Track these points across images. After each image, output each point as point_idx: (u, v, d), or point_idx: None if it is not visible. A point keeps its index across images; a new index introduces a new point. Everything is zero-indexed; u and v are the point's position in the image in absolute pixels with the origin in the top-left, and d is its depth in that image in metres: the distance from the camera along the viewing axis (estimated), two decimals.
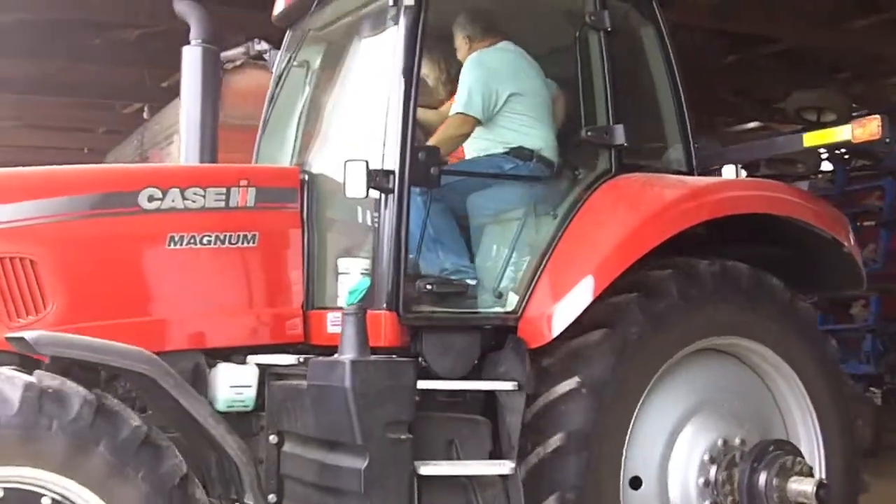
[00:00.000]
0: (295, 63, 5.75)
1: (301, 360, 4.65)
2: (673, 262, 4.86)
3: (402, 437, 4.35)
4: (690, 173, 5.47)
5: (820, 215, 5.26)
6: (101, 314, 4.52)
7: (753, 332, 5.07)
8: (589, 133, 5.16)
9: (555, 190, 5.16)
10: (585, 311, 4.67)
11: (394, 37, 4.86)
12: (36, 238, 4.43)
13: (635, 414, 4.73)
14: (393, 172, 4.65)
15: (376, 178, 4.61)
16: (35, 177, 4.62)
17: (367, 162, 4.55)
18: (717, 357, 5.15)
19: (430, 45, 5.65)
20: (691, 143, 5.55)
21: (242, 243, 4.87)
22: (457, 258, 4.98)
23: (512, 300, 4.93)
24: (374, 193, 4.63)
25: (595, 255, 4.79)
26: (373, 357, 4.37)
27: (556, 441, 4.51)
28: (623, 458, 4.66)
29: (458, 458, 4.67)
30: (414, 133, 4.75)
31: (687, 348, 4.87)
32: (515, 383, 4.70)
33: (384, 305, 4.66)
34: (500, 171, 5.15)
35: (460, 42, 5.44)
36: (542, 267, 4.91)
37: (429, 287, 4.73)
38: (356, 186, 4.55)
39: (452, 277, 4.91)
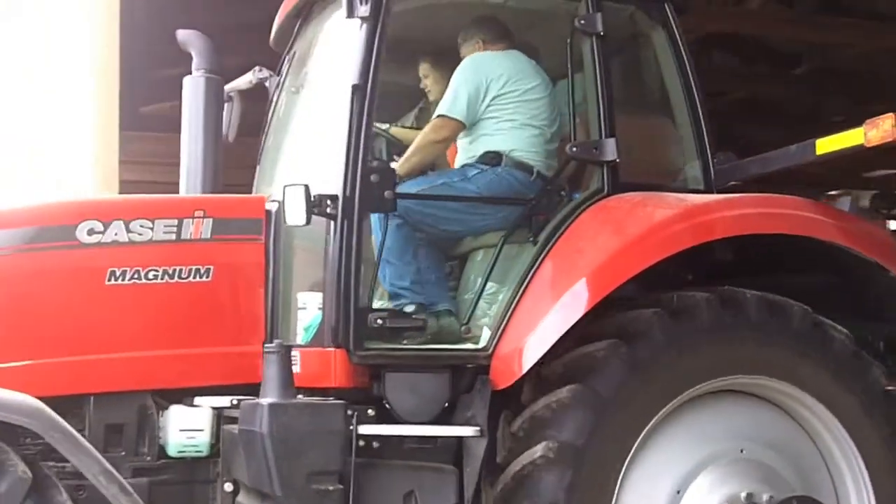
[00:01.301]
0: (283, 87, 5.46)
1: (234, 402, 4.29)
2: (658, 298, 4.26)
3: (330, 488, 3.92)
4: (708, 192, 4.85)
5: (853, 235, 4.52)
6: (31, 353, 4.29)
7: (772, 370, 4.38)
8: (574, 149, 4.63)
9: (537, 212, 4.62)
10: (560, 358, 4.15)
11: (346, 50, 4.50)
12: None
13: (621, 475, 4.12)
14: (336, 196, 4.27)
15: (320, 204, 4.25)
16: None
17: (306, 186, 4.19)
18: (747, 401, 4.50)
19: (435, 61, 5.28)
20: (710, 158, 4.93)
21: (194, 277, 4.56)
22: (397, 279, 4.49)
23: (484, 336, 4.44)
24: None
25: (568, 284, 4.25)
26: (296, 400, 3.97)
27: None
28: None
29: None
30: (365, 153, 4.35)
31: (679, 398, 4.23)
32: (477, 429, 4.22)
33: (332, 343, 4.27)
34: (463, 178, 4.67)
35: (472, 48, 4.98)
36: (516, 299, 4.39)
37: (379, 321, 4.29)
38: (296, 213, 4.20)
39: (392, 303, 4.47)
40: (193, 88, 5.36)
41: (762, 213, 4.42)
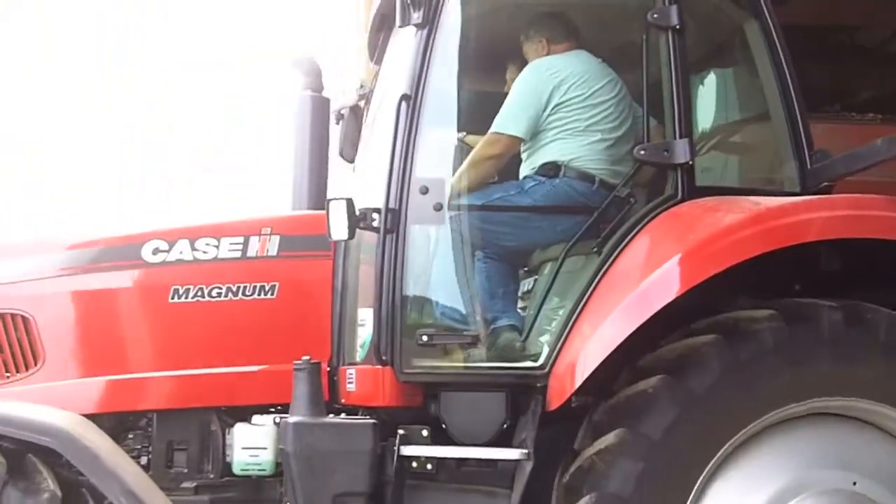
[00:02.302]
0: (370, 101, 5.40)
1: (277, 420, 4.23)
2: (716, 322, 3.84)
3: None
4: (803, 194, 4.39)
5: None
6: (95, 369, 4.42)
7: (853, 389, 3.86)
8: (642, 152, 4.29)
9: (602, 221, 4.32)
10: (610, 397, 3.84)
11: (401, 60, 4.39)
12: (31, 294, 4.43)
13: None
14: (379, 210, 4.15)
15: (365, 218, 4.14)
16: (40, 234, 4.66)
17: (349, 200, 4.10)
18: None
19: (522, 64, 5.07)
20: (807, 158, 4.46)
21: (259, 294, 4.57)
22: (471, 302, 4.30)
23: (543, 354, 4.18)
24: None
25: (622, 297, 3.92)
26: (321, 419, 3.87)
27: None
28: None
29: None
30: (413, 165, 4.21)
31: (742, 433, 3.77)
32: (524, 452, 3.97)
33: (380, 360, 4.14)
34: (520, 191, 4.43)
35: (535, 46, 4.76)
36: (576, 314, 4.10)
37: (424, 339, 4.13)
38: (339, 228, 4.11)
39: (460, 328, 4.27)
40: (301, 106, 5.42)
41: (848, 216, 3.92)
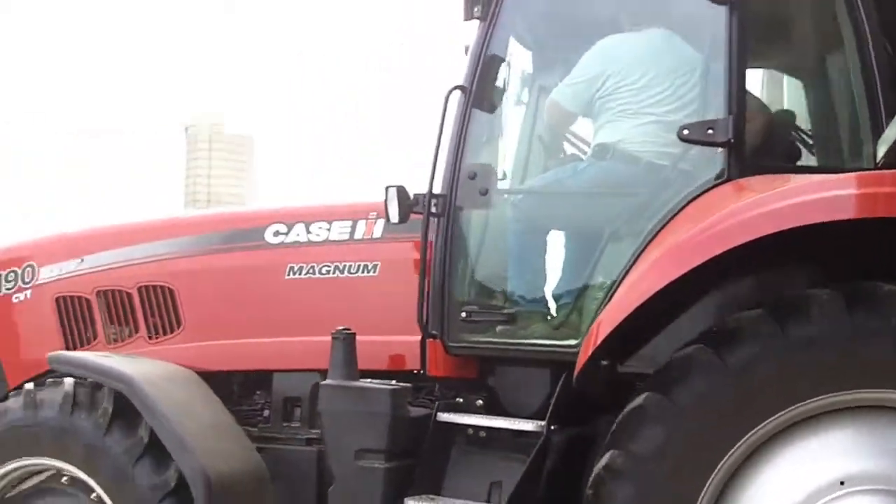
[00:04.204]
0: None
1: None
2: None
3: (376, 465, 4.20)
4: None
5: None
6: (225, 334, 5.16)
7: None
8: (686, 132, 4.24)
9: (648, 202, 4.32)
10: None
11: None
12: (175, 270, 5.26)
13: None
14: (425, 195, 4.48)
15: (417, 203, 4.50)
16: (176, 219, 5.47)
17: (401, 187, 4.49)
18: None
19: None
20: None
21: (362, 273, 5.07)
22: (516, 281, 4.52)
23: (582, 332, 4.31)
24: None
25: (643, 270, 3.93)
26: (351, 382, 4.31)
27: None
28: None
29: (500, 502, 4.27)
30: (462, 151, 4.51)
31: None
32: (540, 423, 4.16)
33: (429, 334, 4.51)
34: (573, 174, 4.53)
35: (609, 27, 4.72)
36: (610, 294, 4.20)
37: (464, 315, 4.43)
38: (392, 212, 4.52)
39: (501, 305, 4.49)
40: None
41: (869, 195, 3.64)
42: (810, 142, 4.86)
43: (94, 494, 4.63)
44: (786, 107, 5.11)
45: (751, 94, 4.57)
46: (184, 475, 4.41)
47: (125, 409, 4.57)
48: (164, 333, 5.29)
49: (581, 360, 3.94)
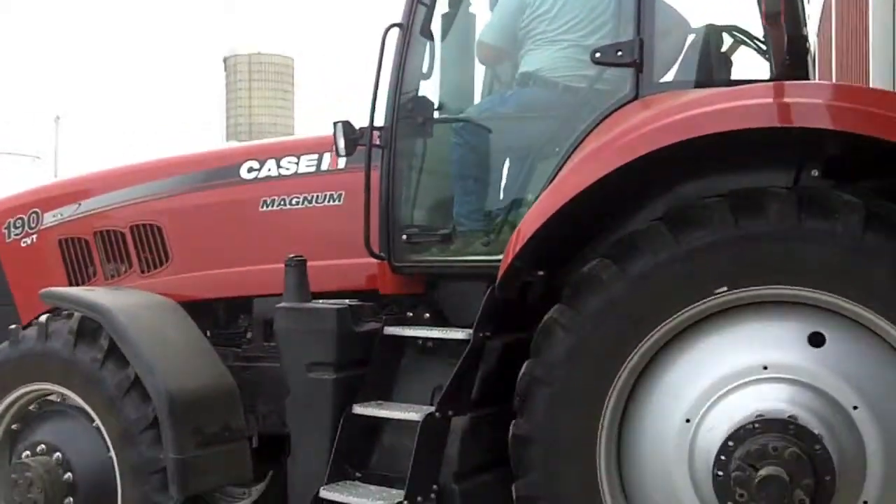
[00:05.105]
0: None
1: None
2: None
3: (325, 377, 4.64)
4: None
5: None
6: (209, 265, 5.66)
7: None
8: (597, 54, 4.51)
9: (567, 123, 4.63)
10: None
11: None
12: (161, 208, 5.75)
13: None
14: (366, 128, 4.85)
15: (362, 136, 4.87)
16: (162, 161, 5.92)
17: (347, 121, 4.86)
18: None
19: None
20: None
21: (329, 202, 5.48)
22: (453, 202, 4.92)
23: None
24: None
25: (556, 181, 4.21)
26: (302, 304, 4.73)
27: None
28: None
29: None
30: (401, 85, 4.85)
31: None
32: (467, 332, 4.54)
33: (373, 254, 4.91)
34: (501, 102, 4.85)
35: None
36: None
37: (405, 237, 4.82)
38: (339, 145, 4.90)
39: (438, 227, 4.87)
40: None
41: (782, 105, 3.77)
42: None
43: (94, 423, 5.17)
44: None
45: (673, 10, 4.84)
46: None
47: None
48: (155, 267, 5.81)
49: (502, 268, 4.26)
